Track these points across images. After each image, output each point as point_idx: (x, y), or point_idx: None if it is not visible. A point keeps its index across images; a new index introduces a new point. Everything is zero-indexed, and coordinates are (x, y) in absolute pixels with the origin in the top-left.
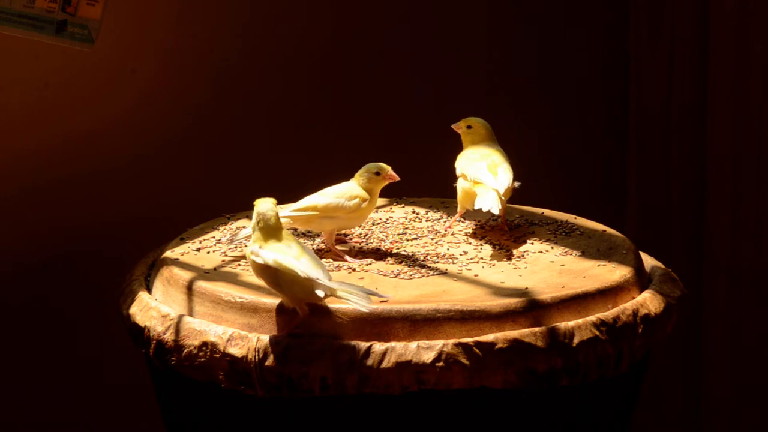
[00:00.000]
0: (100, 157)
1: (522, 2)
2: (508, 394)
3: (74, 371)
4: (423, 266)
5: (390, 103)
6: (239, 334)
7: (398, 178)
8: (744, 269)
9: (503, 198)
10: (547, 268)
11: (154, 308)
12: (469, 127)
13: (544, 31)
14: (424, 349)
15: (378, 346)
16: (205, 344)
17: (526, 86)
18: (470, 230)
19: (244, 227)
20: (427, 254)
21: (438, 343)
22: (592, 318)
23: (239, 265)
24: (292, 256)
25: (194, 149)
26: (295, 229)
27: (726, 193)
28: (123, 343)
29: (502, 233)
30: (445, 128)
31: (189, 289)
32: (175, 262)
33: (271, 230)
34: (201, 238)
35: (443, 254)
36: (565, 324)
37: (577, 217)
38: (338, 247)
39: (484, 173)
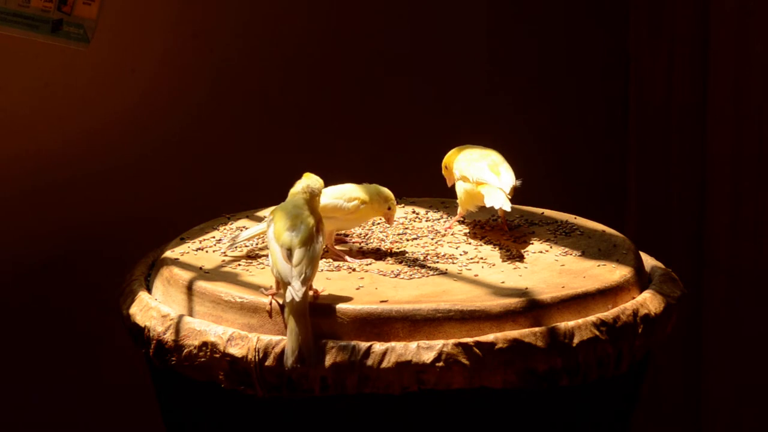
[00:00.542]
0: (100, 157)
1: (522, 2)
2: (508, 394)
3: (74, 371)
4: (423, 266)
5: (390, 103)
6: (239, 334)
7: (392, 223)
8: (744, 269)
9: (509, 196)
10: (547, 268)
11: (154, 308)
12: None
13: (544, 31)
14: (424, 349)
15: (378, 346)
16: (205, 344)
17: (526, 86)
18: (470, 230)
19: (244, 227)
20: (427, 254)
21: (438, 343)
22: (592, 318)
23: (239, 265)
24: (286, 247)
25: (194, 149)
26: None
27: (726, 193)
28: (123, 343)
29: (502, 233)
30: (445, 128)
31: (189, 289)
32: (175, 262)
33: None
34: (201, 238)
35: (443, 254)
36: (565, 324)
37: (577, 217)
38: (338, 247)
39: (486, 173)
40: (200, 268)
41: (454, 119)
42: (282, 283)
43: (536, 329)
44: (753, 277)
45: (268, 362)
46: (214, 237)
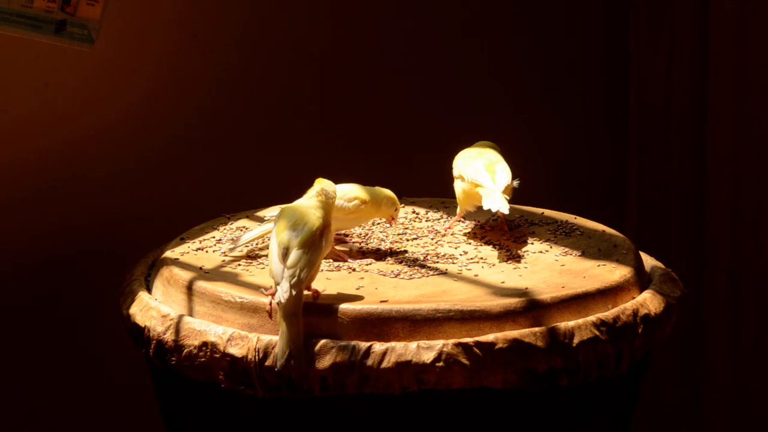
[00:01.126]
0: (101, 157)
1: (522, 2)
2: (508, 394)
3: (74, 371)
4: (423, 266)
5: (390, 103)
6: (239, 334)
7: (396, 223)
8: (744, 269)
9: (507, 197)
10: (547, 268)
11: (154, 308)
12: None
13: (544, 31)
14: (424, 349)
15: (378, 346)
16: (205, 344)
17: (526, 86)
18: (470, 230)
19: (245, 227)
20: (427, 254)
21: (438, 343)
22: (592, 318)
23: (239, 265)
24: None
25: (194, 149)
26: None
27: (726, 193)
28: (123, 343)
29: (502, 233)
30: (445, 128)
31: (189, 289)
32: (175, 262)
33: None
34: (201, 238)
35: (443, 254)
36: (565, 324)
37: (577, 217)
38: (338, 247)
39: (481, 174)
40: (200, 268)
41: (454, 119)
42: (272, 282)
43: (536, 329)
44: (753, 277)
45: (268, 362)
46: (214, 237)
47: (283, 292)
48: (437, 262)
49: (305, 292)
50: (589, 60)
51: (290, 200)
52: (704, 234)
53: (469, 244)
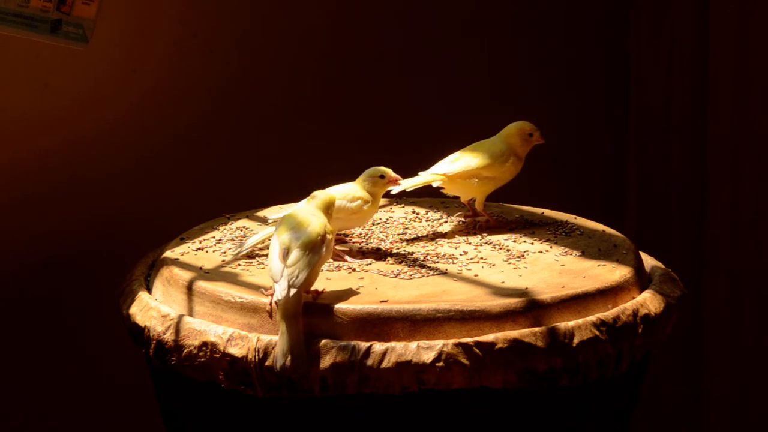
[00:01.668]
0: (100, 157)
1: (522, 2)
2: (508, 394)
3: (74, 371)
4: (423, 266)
5: (390, 103)
6: (239, 334)
7: (400, 180)
8: (744, 269)
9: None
10: (547, 268)
11: (154, 308)
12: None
13: (544, 31)
14: (424, 349)
15: (378, 346)
16: (205, 344)
17: (526, 86)
18: (470, 230)
19: (244, 227)
20: (427, 254)
21: (438, 343)
22: (592, 318)
23: (239, 265)
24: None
25: (194, 149)
26: None
27: (726, 193)
28: (123, 343)
29: (502, 231)
30: (445, 128)
31: (189, 289)
32: (175, 262)
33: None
34: (201, 238)
35: (443, 254)
36: (565, 324)
37: (577, 217)
38: (338, 247)
39: (433, 168)
40: (200, 268)
41: (454, 119)
42: (273, 282)
43: (536, 329)
44: (753, 277)
45: (268, 362)
46: (214, 237)
47: (281, 290)
48: (437, 262)
49: (304, 295)
50: (589, 60)
51: (290, 200)
52: (704, 234)
53: (469, 244)
